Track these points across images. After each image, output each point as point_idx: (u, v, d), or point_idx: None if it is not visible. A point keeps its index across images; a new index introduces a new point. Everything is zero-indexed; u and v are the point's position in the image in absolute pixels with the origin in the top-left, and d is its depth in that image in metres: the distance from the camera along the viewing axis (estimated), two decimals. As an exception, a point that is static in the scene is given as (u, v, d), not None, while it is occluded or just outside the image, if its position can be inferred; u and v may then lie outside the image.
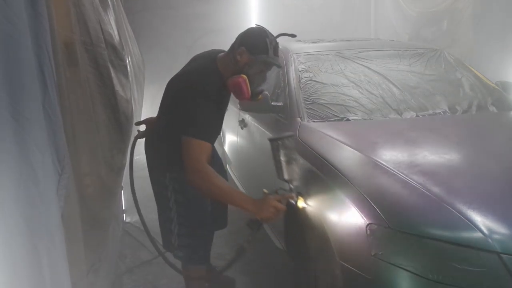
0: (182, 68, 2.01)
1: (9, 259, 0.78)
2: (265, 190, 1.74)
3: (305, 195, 1.76)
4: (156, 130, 2.01)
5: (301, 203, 1.74)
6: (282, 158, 1.69)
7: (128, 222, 3.42)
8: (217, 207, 2.12)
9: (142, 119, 2.34)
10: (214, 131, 1.84)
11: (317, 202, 1.74)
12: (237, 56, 1.79)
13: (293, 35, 1.95)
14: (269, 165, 2.38)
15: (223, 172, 2.22)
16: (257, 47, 1.78)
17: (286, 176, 1.71)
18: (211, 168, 1.70)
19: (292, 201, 1.73)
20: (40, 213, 0.88)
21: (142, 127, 2.35)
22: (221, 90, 1.81)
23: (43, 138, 0.92)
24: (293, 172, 1.71)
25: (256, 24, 1.94)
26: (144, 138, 2.13)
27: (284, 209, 1.70)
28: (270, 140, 1.74)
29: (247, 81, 1.75)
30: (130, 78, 2.94)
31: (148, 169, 2.03)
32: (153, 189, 2.02)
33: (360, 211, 1.49)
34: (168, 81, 1.95)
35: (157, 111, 2.03)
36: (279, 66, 1.90)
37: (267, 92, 2.49)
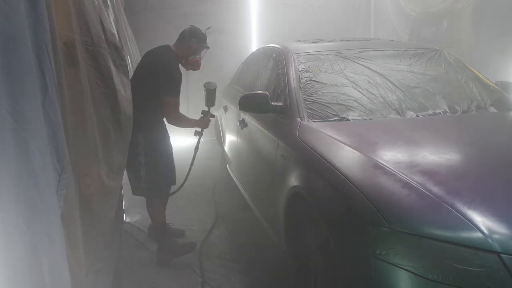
0: (142, 60, 2.92)
1: (9, 259, 0.78)
2: (201, 114, 3.09)
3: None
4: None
5: (215, 116, 3.35)
6: (211, 98, 3.13)
7: (128, 222, 3.43)
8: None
9: None
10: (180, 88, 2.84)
11: (317, 201, 1.74)
12: (191, 44, 2.87)
13: (208, 28, 2.99)
14: (268, 165, 2.39)
15: None
16: (200, 38, 2.91)
17: (210, 105, 3.16)
18: (181, 112, 2.82)
19: (211, 117, 3.14)
20: (40, 213, 0.88)
21: None
22: (178, 65, 2.85)
23: (43, 138, 0.92)
24: (213, 102, 3.19)
25: (191, 25, 2.96)
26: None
27: (209, 120, 3.13)
28: (206, 88, 3.11)
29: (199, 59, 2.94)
30: (130, 78, 2.94)
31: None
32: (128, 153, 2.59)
33: (360, 211, 1.49)
34: (131, 78, 2.66)
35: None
36: (208, 48, 2.97)
37: (267, 92, 2.52)
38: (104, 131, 1.86)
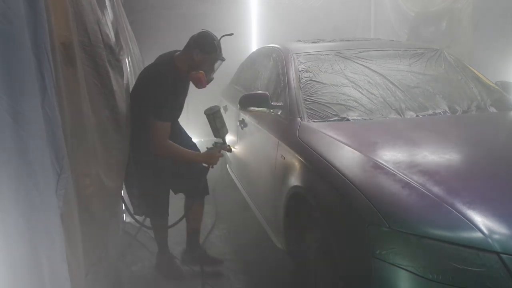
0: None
1: (9, 259, 0.78)
2: (207, 147, 2.50)
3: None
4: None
5: (232, 149, 2.71)
6: (217, 125, 2.48)
7: (128, 222, 3.42)
8: (176, 173, 2.57)
9: None
10: (172, 112, 2.42)
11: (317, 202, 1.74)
12: (194, 56, 2.35)
13: (230, 34, 2.50)
14: (268, 165, 2.39)
15: (191, 144, 2.69)
16: (209, 48, 2.36)
17: (221, 135, 2.53)
18: (168, 141, 2.32)
19: (226, 150, 2.56)
20: (39, 213, 0.88)
21: None
22: (175, 80, 2.35)
23: (42, 138, 0.92)
24: (225, 131, 2.56)
25: (202, 29, 2.44)
26: None
27: (222, 156, 2.55)
28: (207, 114, 2.46)
29: (204, 75, 2.35)
30: (130, 78, 2.94)
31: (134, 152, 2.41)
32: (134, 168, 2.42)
33: (360, 211, 1.49)
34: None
35: None
36: (223, 60, 2.44)
37: (267, 92, 2.52)
38: (103, 131, 1.86)
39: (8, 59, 0.81)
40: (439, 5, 5.57)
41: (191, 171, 2.57)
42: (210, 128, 2.53)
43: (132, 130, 2.30)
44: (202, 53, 2.34)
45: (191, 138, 2.79)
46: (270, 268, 2.68)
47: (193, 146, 2.69)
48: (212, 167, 2.51)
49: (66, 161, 1.08)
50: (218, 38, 2.42)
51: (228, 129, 3.88)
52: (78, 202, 1.43)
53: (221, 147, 2.52)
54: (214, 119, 2.47)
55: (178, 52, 2.46)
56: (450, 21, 5.36)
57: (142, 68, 4.66)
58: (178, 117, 2.62)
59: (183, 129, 2.81)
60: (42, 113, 0.93)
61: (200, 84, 2.37)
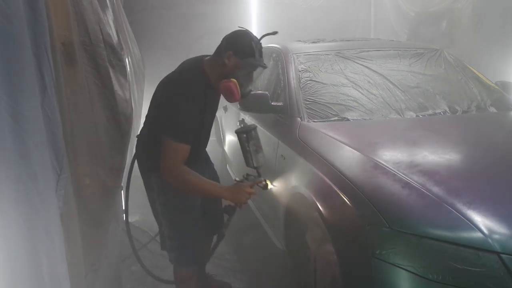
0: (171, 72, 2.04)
1: (8, 259, 0.78)
2: (236, 179, 1.99)
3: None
4: (143, 130, 2.04)
5: (269, 186, 1.98)
6: (250, 148, 1.91)
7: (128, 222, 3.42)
8: (212, 210, 2.14)
9: (142, 120, 2.33)
10: (195, 132, 1.85)
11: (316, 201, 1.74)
12: (225, 60, 1.83)
13: (274, 33, 1.99)
14: (268, 165, 2.39)
15: (215, 176, 2.23)
16: (244, 51, 1.83)
17: (255, 164, 1.93)
18: (184, 166, 1.77)
19: (261, 186, 1.93)
20: (39, 213, 0.88)
21: None
22: (206, 92, 1.85)
23: (42, 138, 0.92)
24: (260, 159, 1.94)
25: (239, 27, 1.96)
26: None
27: (255, 193, 1.88)
28: (238, 132, 1.92)
29: (237, 84, 1.81)
30: (130, 78, 2.93)
31: (139, 170, 2.07)
32: (146, 191, 2.06)
33: (360, 211, 1.49)
34: (158, 84, 1.98)
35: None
36: (265, 67, 1.91)
37: (267, 92, 2.51)
38: (103, 131, 1.85)
39: (8, 59, 0.81)
40: (439, 5, 5.58)
41: (214, 208, 2.09)
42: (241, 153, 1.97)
43: (151, 146, 1.93)
44: (236, 57, 1.83)
45: (215, 170, 2.30)
46: (270, 268, 2.68)
47: (216, 178, 2.23)
48: (241, 207, 1.91)
49: (66, 161, 1.08)
50: (257, 38, 1.90)
51: (228, 129, 3.88)
52: (78, 202, 1.43)
53: (254, 180, 1.91)
54: (248, 140, 1.90)
55: (208, 57, 1.95)
56: (450, 21, 5.36)
57: (142, 68, 4.68)
58: (205, 144, 2.07)
59: (211, 163, 2.23)
60: (42, 113, 0.93)
61: (231, 97, 1.82)
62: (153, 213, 2.06)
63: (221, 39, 1.92)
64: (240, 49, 1.83)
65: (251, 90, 2.00)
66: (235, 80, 1.81)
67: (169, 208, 1.95)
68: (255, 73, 1.90)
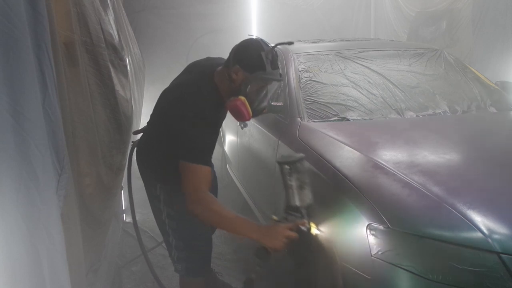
0: (178, 77, 1.92)
1: (9, 259, 0.78)
2: (274, 217, 1.61)
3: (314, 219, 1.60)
4: (146, 139, 1.94)
5: (314, 230, 1.61)
6: (293, 183, 1.55)
7: (128, 222, 3.42)
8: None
9: (142, 121, 2.31)
10: (211, 151, 1.74)
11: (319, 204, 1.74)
12: (233, 75, 1.66)
13: (290, 43, 1.85)
14: (268, 165, 2.39)
15: (215, 177, 2.16)
16: (253, 64, 1.64)
17: (297, 203, 1.56)
18: (212, 196, 1.61)
19: (304, 228, 1.57)
20: (40, 213, 0.88)
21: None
22: (219, 109, 1.72)
23: (43, 138, 0.92)
24: (305, 197, 1.57)
25: (249, 35, 1.80)
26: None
27: (296, 237, 1.55)
28: (280, 163, 1.59)
29: (246, 102, 1.64)
30: (130, 78, 2.93)
31: (141, 177, 1.98)
32: (148, 197, 1.97)
33: (360, 211, 1.49)
34: (163, 90, 1.88)
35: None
36: (279, 80, 1.72)
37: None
38: (104, 131, 1.86)
39: (9, 59, 0.81)
40: (439, 5, 5.58)
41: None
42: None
43: (154, 156, 1.85)
44: (245, 71, 1.64)
45: (217, 184, 2.16)
46: (270, 268, 2.68)
47: (215, 192, 2.10)
48: (274, 252, 1.56)
49: (67, 161, 1.08)
50: (270, 47, 1.68)
51: (228, 129, 3.89)
52: (78, 202, 1.43)
53: (296, 222, 1.57)
54: (291, 173, 1.56)
55: (220, 68, 1.76)
56: (450, 21, 5.37)
57: (142, 68, 4.67)
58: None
59: (212, 164, 1.89)
60: (43, 113, 0.93)
61: (240, 117, 1.66)
62: (157, 223, 1.95)
63: (231, 50, 1.74)
64: (248, 62, 1.65)
65: (266, 107, 1.81)
66: (243, 98, 1.63)
67: (177, 220, 1.85)
68: (270, 86, 1.71)
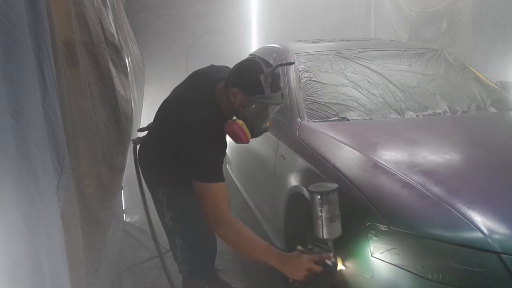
0: (180, 87, 1.89)
1: (9, 259, 0.78)
2: (299, 247, 1.54)
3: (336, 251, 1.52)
4: (148, 142, 1.94)
5: (340, 265, 1.53)
6: (323, 215, 1.45)
7: (128, 222, 3.43)
8: None
9: (142, 121, 2.30)
10: (220, 165, 1.68)
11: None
12: (231, 96, 1.62)
13: (291, 63, 1.83)
14: (268, 165, 2.39)
15: None
16: (251, 87, 1.59)
17: (326, 235, 1.47)
18: (235, 218, 1.60)
19: (329, 262, 1.48)
20: (40, 213, 0.88)
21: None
22: (221, 126, 1.67)
23: (43, 138, 0.92)
24: (334, 230, 1.47)
25: (250, 55, 1.72)
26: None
27: (320, 270, 1.47)
28: (311, 192, 1.49)
29: (244, 126, 1.61)
30: (130, 78, 2.93)
31: (144, 181, 2.00)
32: (152, 199, 1.97)
33: (360, 211, 1.49)
34: (165, 100, 1.87)
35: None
36: (279, 104, 1.68)
37: None
38: (104, 131, 1.86)
39: (9, 59, 0.81)
40: (440, 5, 5.58)
41: None
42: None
43: (156, 161, 1.85)
44: (243, 94, 1.60)
45: None
46: (270, 268, 2.67)
47: None
48: (296, 282, 1.50)
49: (67, 161, 1.08)
50: (270, 68, 1.62)
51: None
52: (79, 202, 1.43)
53: (321, 255, 1.48)
54: (321, 204, 1.44)
55: (221, 83, 1.71)
56: (451, 21, 5.37)
57: (142, 68, 4.66)
58: None
59: None
60: (43, 113, 0.93)
61: (238, 140, 1.65)
62: (162, 225, 1.95)
63: (231, 68, 1.69)
64: (247, 85, 1.60)
65: (267, 129, 1.78)
66: (240, 122, 1.60)
67: (180, 223, 1.86)
68: (271, 109, 1.66)
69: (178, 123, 1.68)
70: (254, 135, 1.70)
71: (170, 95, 1.89)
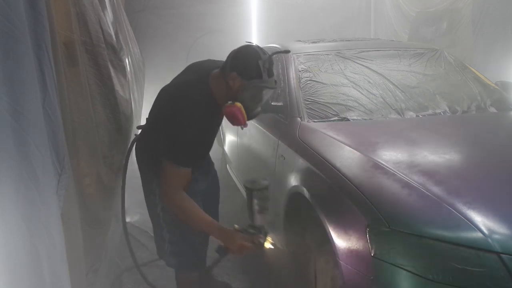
0: (178, 77, 1.94)
1: (9, 260, 0.78)
2: (236, 226, 1.77)
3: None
4: (143, 136, 1.98)
5: (267, 244, 1.82)
6: (253, 207, 1.73)
7: (128, 222, 3.42)
8: (213, 213, 2.06)
9: (142, 121, 2.32)
10: (197, 155, 1.80)
11: (318, 202, 1.74)
12: (230, 81, 1.70)
13: (286, 51, 1.92)
14: (268, 165, 2.39)
15: (215, 178, 2.24)
16: (250, 72, 1.68)
17: (257, 222, 1.76)
18: (183, 193, 1.71)
19: (256, 242, 1.73)
20: (40, 213, 0.88)
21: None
22: (212, 114, 1.76)
23: (43, 138, 0.92)
24: (263, 219, 1.77)
25: (247, 42, 1.83)
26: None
27: (250, 248, 1.71)
28: (247, 188, 1.73)
29: (242, 108, 1.69)
30: (130, 78, 2.94)
31: (139, 172, 2.01)
32: (144, 193, 1.99)
33: (360, 211, 1.49)
34: (162, 88, 1.90)
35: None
36: (273, 88, 1.78)
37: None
38: (104, 131, 1.86)
39: (9, 59, 0.81)
40: (440, 5, 5.58)
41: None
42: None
43: (152, 153, 1.88)
44: (241, 78, 1.69)
45: (218, 192, 2.27)
46: (270, 268, 2.68)
47: (215, 203, 2.19)
48: (230, 253, 1.75)
49: (67, 161, 1.08)
50: (267, 55, 1.72)
51: (228, 129, 3.89)
52: (79, 202, 1.43)
53: (251, 236, 1.73)
54: (251, 198, 1.72)
55: (216, 71, 1.79)
56: (451, 21, 5.37)
57: (142, 68, 4.68)
58: (209, 150, 1.98)
59: (213, 163, 2.17)
60: (43, 113, 0.93)
61: (236, 122, 1.72)
62: (150, 217, 1.99)
63: (228, 54, 1.75)
64: (245, 70, 1.68)
65: (260, 112, 1.88)
66: (239, 104, 1.68)
67: (171, 213, 1.88)
68: (265, 93, 1.76)
69: (169, 108, 1.74)
70: (248, 117, 1.77)
71: (166, 85, 1.93)
